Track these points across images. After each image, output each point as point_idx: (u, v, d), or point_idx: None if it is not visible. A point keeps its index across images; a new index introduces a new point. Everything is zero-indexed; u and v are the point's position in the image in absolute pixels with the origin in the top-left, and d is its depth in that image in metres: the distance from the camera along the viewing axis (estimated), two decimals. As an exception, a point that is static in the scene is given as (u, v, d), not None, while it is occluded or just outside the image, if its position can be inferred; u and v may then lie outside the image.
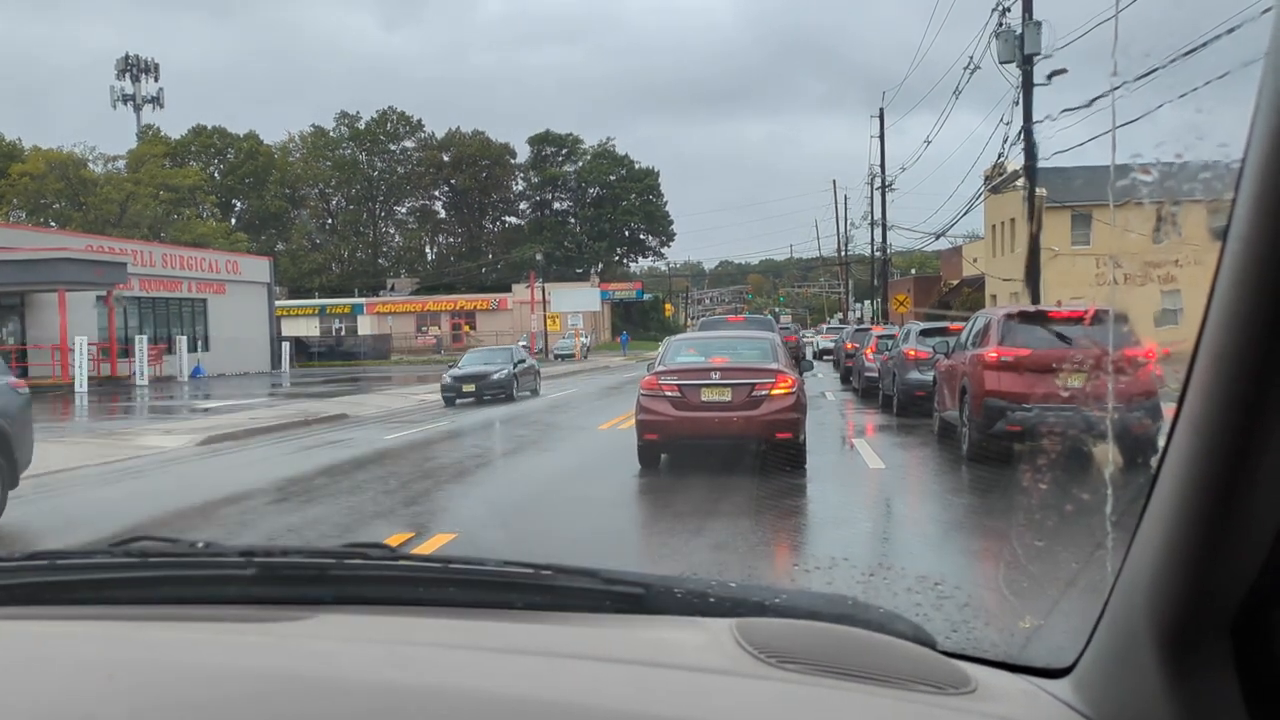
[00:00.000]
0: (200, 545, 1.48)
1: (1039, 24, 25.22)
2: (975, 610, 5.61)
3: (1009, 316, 12.36)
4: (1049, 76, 25.34)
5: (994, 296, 42.61)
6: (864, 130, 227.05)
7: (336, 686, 1.07)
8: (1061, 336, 11.51)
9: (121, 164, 71.09)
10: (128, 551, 1.47)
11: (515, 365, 27.15)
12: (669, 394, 11.82)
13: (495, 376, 26.01)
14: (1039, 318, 12.46)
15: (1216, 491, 0.91)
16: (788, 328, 57.81)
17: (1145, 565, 1.02)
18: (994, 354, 11.91)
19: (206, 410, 25.08)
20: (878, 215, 54.59)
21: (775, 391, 11.62)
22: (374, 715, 1.02)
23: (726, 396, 11.71)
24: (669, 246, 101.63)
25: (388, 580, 1.41)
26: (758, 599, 1.42)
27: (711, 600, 1.40)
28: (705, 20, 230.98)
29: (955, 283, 54.43)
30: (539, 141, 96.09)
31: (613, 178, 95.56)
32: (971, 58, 33.65)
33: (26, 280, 33.89)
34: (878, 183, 53.58)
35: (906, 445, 14.58)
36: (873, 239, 57.02)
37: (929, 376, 16.71)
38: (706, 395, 11.77)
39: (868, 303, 68.89)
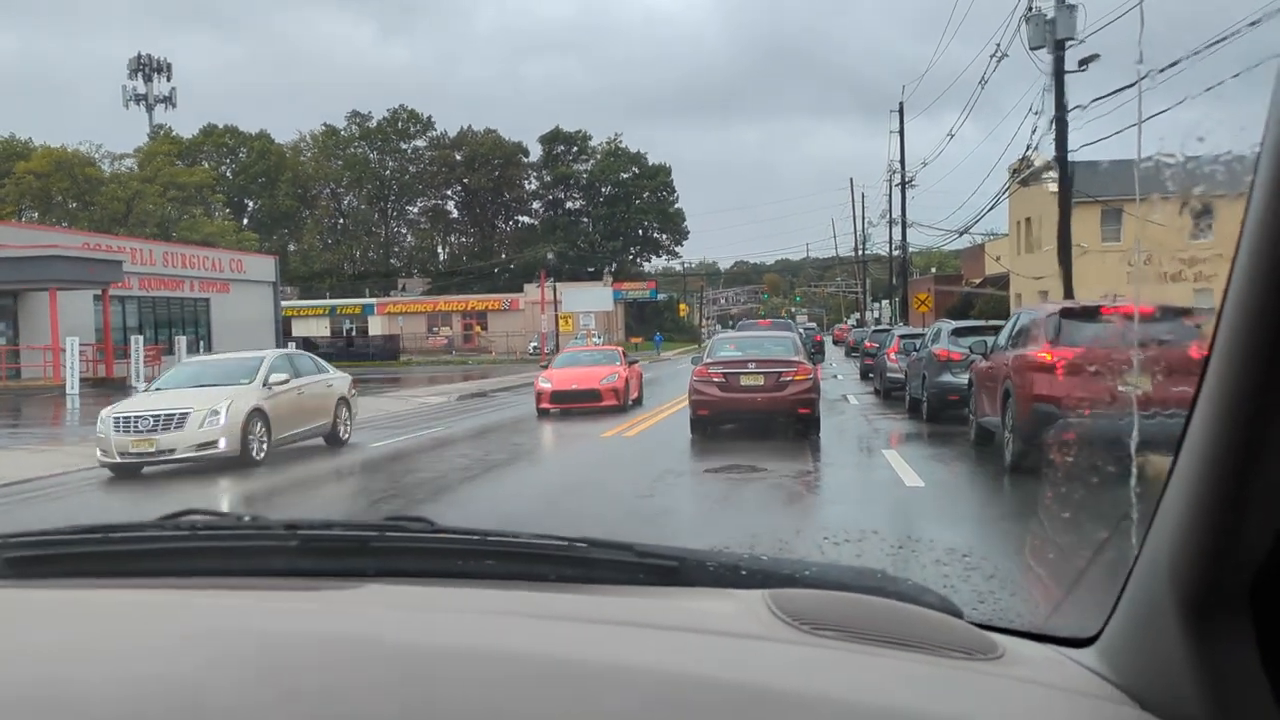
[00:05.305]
0: (246, 519, 1.53)
1: (1072, 7, 23.90)
2: (1001, 582, 5.62)
3: (1061, 313, 11.00)
4: (1081, 63, 24.09)
5: (1018, 295, 41.19)
6: (862, 132, 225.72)
7: (385, 649, 1.09)
8: (1116, 333, 10.22)
9: (129, 162, 70.22)
10: (177, 525, 1.51)
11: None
12: (716, 380, 15.23)
13: None
14: (1091, 314, 11.10)
15: (1237, 460, 0.92)
16: (812, 328, 66.47)
17: (1168, 535, 1.04)
18: (1045, 354, 10.57)
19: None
20: (896, 212, 53.05)
21: (797, 378, 15.03)
22: (422, 675, 1.04)
23: (760, 381, 15.11)
24: (682, 245, 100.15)
25: (427, 553, 1.45)
26: (788, 571, 1.45)
27: (743, 573, 1.42)
28: (698, 30, 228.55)
29: (978, 281, 52.89)
30: (550, 140, 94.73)
31: (625, 175, 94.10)
32: (999, 45, 32.42)
33: (18, 278, 32.85)
34: (896, 179, 52.02)
35: (942, 457, 13.03)
36: (890, 237, 55.55)
37: (963, 379, 15.45)
38: (745, 380, 15.17)
39: (886, 302, 67.33)
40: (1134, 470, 1.51)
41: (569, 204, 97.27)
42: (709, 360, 15.82)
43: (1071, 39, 23.85)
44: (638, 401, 22.33)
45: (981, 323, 20.54)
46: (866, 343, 33.18)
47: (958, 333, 17.34)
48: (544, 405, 20.68)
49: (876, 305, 74.70)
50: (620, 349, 25.61)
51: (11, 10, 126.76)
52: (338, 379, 16.85)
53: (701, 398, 15.23)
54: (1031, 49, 24.64)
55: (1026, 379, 10.66)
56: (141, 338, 37.56)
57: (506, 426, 19.20)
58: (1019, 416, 10.83)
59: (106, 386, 35.14)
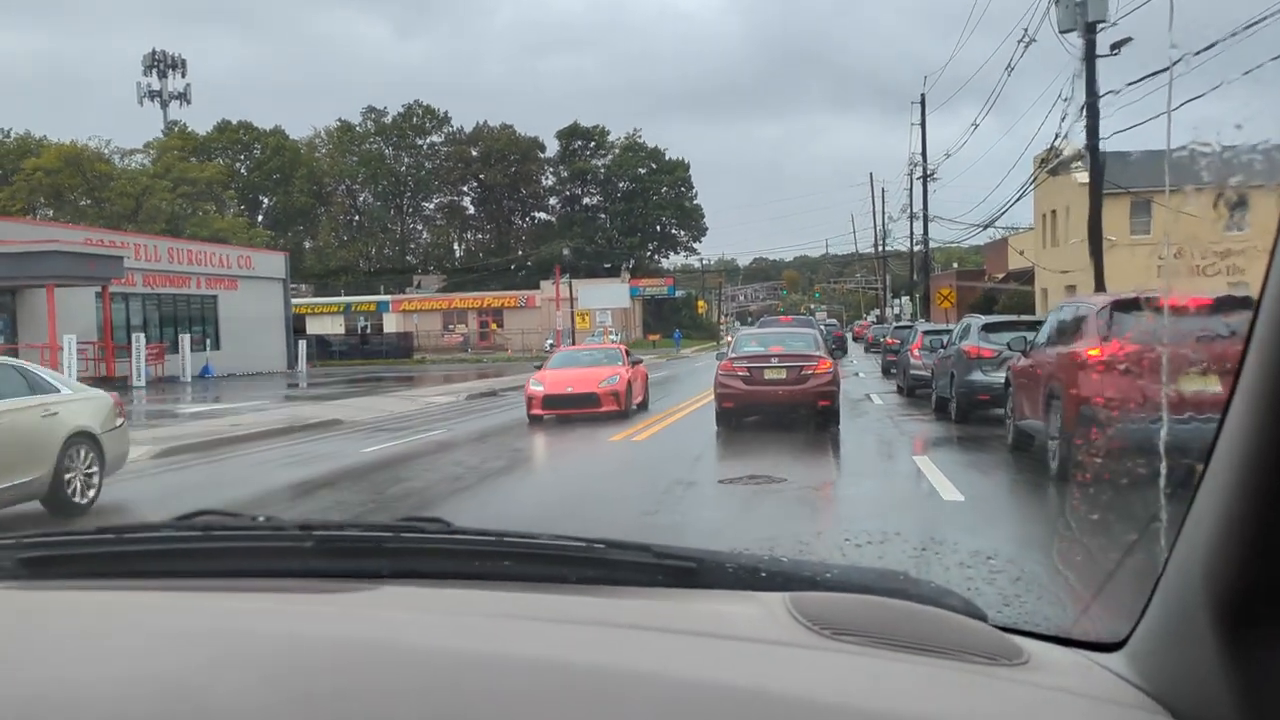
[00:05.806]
0: (261, 519, 1.50)
1: (1104, -14, 22.74)
2: (1027, 584, 5.42)
3: (1113, 305, 9.90)
4: (1113, 47, 22.95)
5: (1044, 290, 39.97)
6: (880, 127, 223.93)
7: (401, 652, 1.07)
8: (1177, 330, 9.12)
9: (139, 158, 69.68)
10: (191, 525, 1.49)
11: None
12: (740, 374, 15.81)
13: None
14: (1146, 306, 10.03)
15: (1272, 461, 0.90)
16: (833, 324, 68.45)
17: (1201, 538, 1.01)
18: (1096, 351, 9.47)
19: (193, 415, 23.27)
20: (918, 206, 51.65)
21: (818, 371, 15.66)
22: (440, 679, 1.03)
23: (782, 375, 15.70)
24: (701, 241, 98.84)
25: (443, 554, 1.42)
26: (809, 574, 1.42)
27: (763, 575, 1.39)
28: (714, 26, 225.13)
29: (1001, 276, 51.54)
30: (568, 135, 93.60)
31: (643, 171, 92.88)
32: (1026, 30, 31.26)
33: (15, 274, 31.93)
34: (917, 173, 50.59)
35: (980, 465, 11.83)
36: (911, 231, 54.16)
37: (995, 378, 14.39)
38: (768, 374, 15.75)
39: (906, 298, 65.95)
40: (1163, 467, 1.47)
41: (586, 200, 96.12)
42: (734, 355, 16.50)
43: (1103, 21, 22.70)
44: (642, 406, 20.28)
45: (1014, 317, 19.44)
46: (888, 339, 33.14)
47: (988, 328, 16.31)
48: (535, 411, 18.43)
49: (897, 301, 73.20)
50: (623, 347, 23.03)
51: (29, 9, 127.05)
52: (73, 403, 10.20)
53: (727, 390, 15.79)
54: (1061, 32, 23.51)
55: (1075, 378, 9.58)
56: (143, 335, 36.77)
57: (510, 430, 18.16)
58: (1066, 419, 9.75)
59: (107, 386, 34.34)
